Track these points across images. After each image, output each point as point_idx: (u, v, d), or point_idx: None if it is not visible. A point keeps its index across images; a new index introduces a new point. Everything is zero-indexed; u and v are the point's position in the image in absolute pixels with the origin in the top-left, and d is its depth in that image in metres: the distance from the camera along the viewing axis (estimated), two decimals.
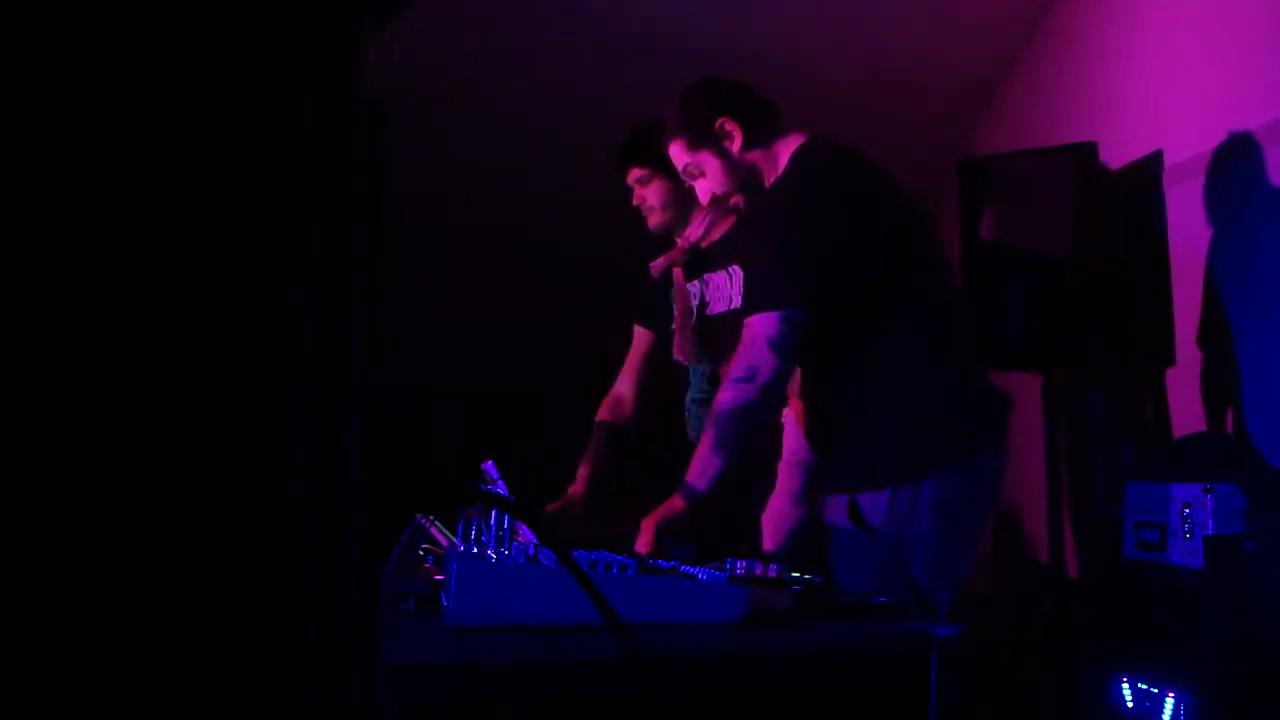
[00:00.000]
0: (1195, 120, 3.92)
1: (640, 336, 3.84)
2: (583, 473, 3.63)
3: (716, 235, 3.50)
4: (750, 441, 2.74)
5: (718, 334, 3.55)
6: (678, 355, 3.67)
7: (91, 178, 0.71)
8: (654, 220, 3.60)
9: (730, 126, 2.88)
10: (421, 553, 2.34)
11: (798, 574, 2.38)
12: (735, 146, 2.89)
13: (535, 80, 5.04)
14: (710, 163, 2.91)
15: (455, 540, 2.12)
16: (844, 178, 2.82)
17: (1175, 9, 4.07)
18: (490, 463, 2.33)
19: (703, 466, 2.69)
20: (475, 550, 2.01)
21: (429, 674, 1.79)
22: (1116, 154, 4.23)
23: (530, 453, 3.13)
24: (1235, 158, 3.70)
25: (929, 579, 2.69)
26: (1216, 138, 3.79)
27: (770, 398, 2.71)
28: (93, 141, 0.71)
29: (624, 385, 3.83)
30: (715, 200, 3.01)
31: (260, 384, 0.76)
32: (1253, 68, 3.64)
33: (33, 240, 0.70)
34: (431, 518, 2.33)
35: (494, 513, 2.02)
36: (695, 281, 3.62)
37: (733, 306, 3.50)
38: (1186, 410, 3.91)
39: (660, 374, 3.78)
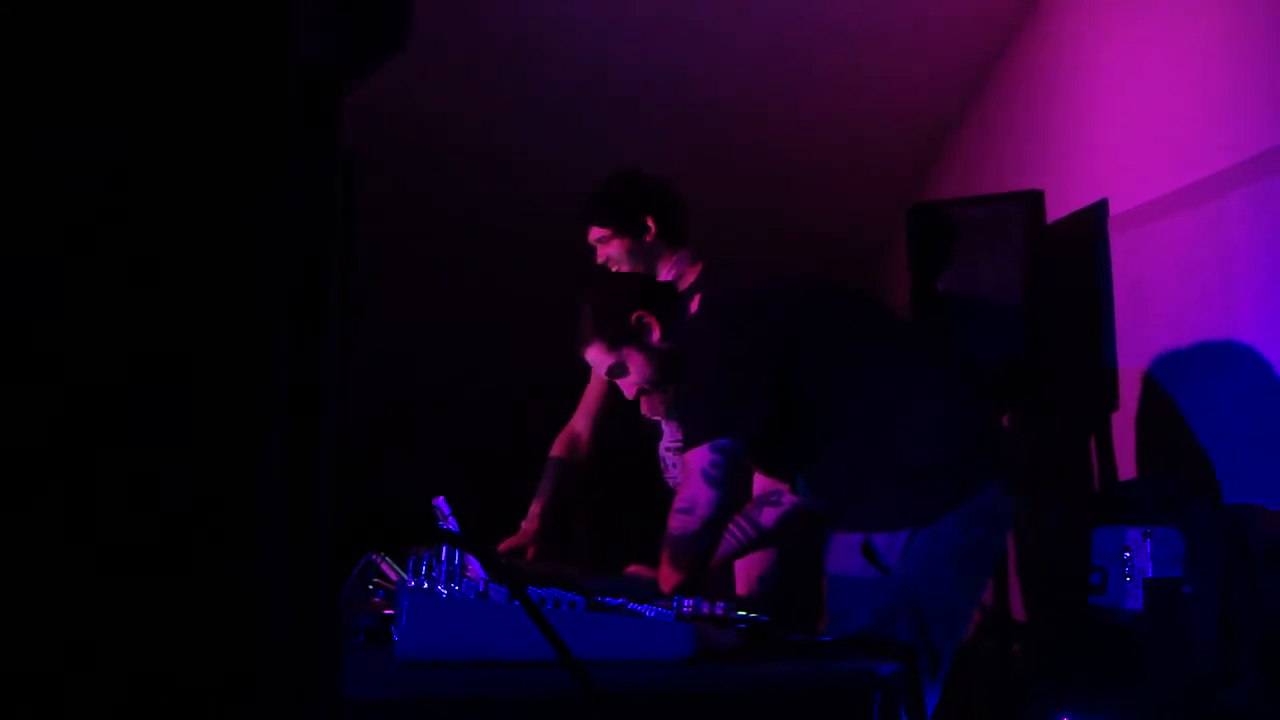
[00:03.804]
0: (1140, 169, 3.99)
1: (597, 376, 3.85)
2: (535, 509, 3.61)
3: (687, 283, 3.52)
4: (702, 562, 2.81)
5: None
6: (647, 411, 3.70)
7: (85, 226, 0.73)
8: None
9: (647, 319, 2.91)
10: (371, 587, 2.35)
11: (744, 612, 2.41)
12: (655, 336, 2.92)
13: (496, 117, 5.06)
14: (634, 358, 2.93)
15: (405, 575, 2.13)
16: (742, 296, 2.92)
17: (1124, 60, 4.14)
18: (442, 499, 2.34)
19: (664, 577, 2.77)
20: (425, 585, 2.02)
21: (378, 708, 1.80)
22: (1063, 201, 4.30)
23: (482, 489, 3.13)
24: (1179, 207, 3.77)
25: (937, 625, 2.70)
26: (1161, 187, 3.87)
27: (710, 528, 2.76)
28: (90, 187, 0.73)
29: (580, 423, 3.82)
30: (643, 393, 3.03)
31: (237, 419, 0.77)
32: (1199, 119, 3.71)
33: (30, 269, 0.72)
34: (382, 553, 2.34)
35: (445, 548, 2.03)
36: None
37: None
38: (1129, 454, 3.97)
39: (615, 414, 3.78)
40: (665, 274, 3.55)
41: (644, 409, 3.62)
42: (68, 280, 0.73)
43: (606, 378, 3.04)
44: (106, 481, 0.73)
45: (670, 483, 3.63)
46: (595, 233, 3.56)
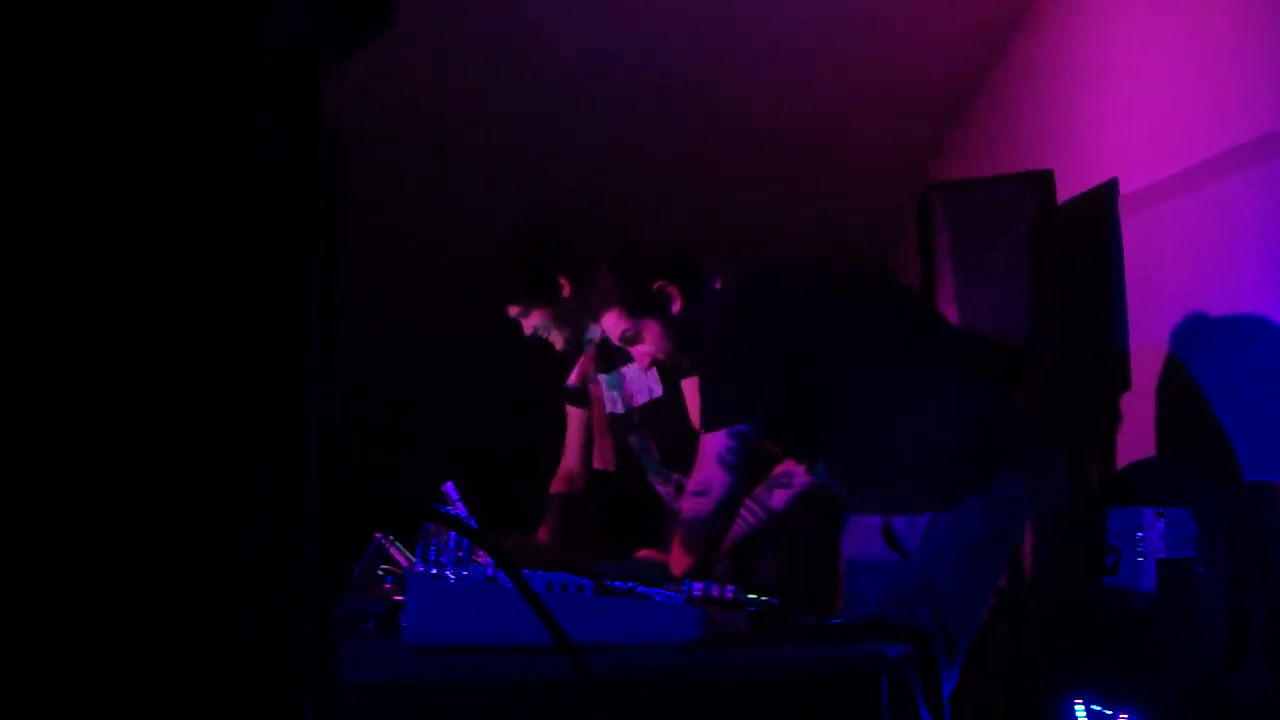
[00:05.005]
0: (1151, 148, 3.98)
1: (575, 415, 3.89)
2: (543, 535, 3.66)
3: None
4: (714, 545, 2.83)
5: (650, 422, 3.60)
6: (599, 464, 3.74)
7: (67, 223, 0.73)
8: (557, 343, 3.59)
9: (669, 289, 2.90)
10: (381, 572, 2.35)
11: (754, 595, 2.41)
12: (675, 308, 2.91)
13: (498, 116, 5.05)
14: (651, 328, 2.93)
15: (415, 560, 2.13)
16: (764, 282, 2.90)
17: (1133, 39, 4.13)
18: (450, 484, 2.34)
19: (675, 560, 2.79)
20: (434, 570, 2.03)
21: (387, 694, 1.81)
22: (1074, 181, 4.28)
23: (482, 488, 3.12)
24: (1190, 186, 3.76)
25: (955, 610, 2.69)
26: (1171, 166, 3.85)
27: (723, 511, 2.77)
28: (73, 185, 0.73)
29: (571, 462, 3.87)
30: (655, 363, 3.01)
31: (219, 401, 0.77)
32: (1208, 97, 3.70)
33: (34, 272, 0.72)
34: (391, 537, 2.34)
35: (453, 533, 2.03)
36: (610, 374, 3.66)
37: (654, 396, 3.55)
38: (1141, 435, 3.96)
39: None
40: (597, 328, 3.56)
41: (596, 460, 3.70)
42: (54, 278, 0.73)
43: (620, 343, 3.03)
44: (91, 470, 0.73)
45: (669, 501, 3.65)
46: (511, 310, 3.54)
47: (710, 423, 2.75)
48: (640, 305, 2.91)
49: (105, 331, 0.74)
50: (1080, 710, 3.29)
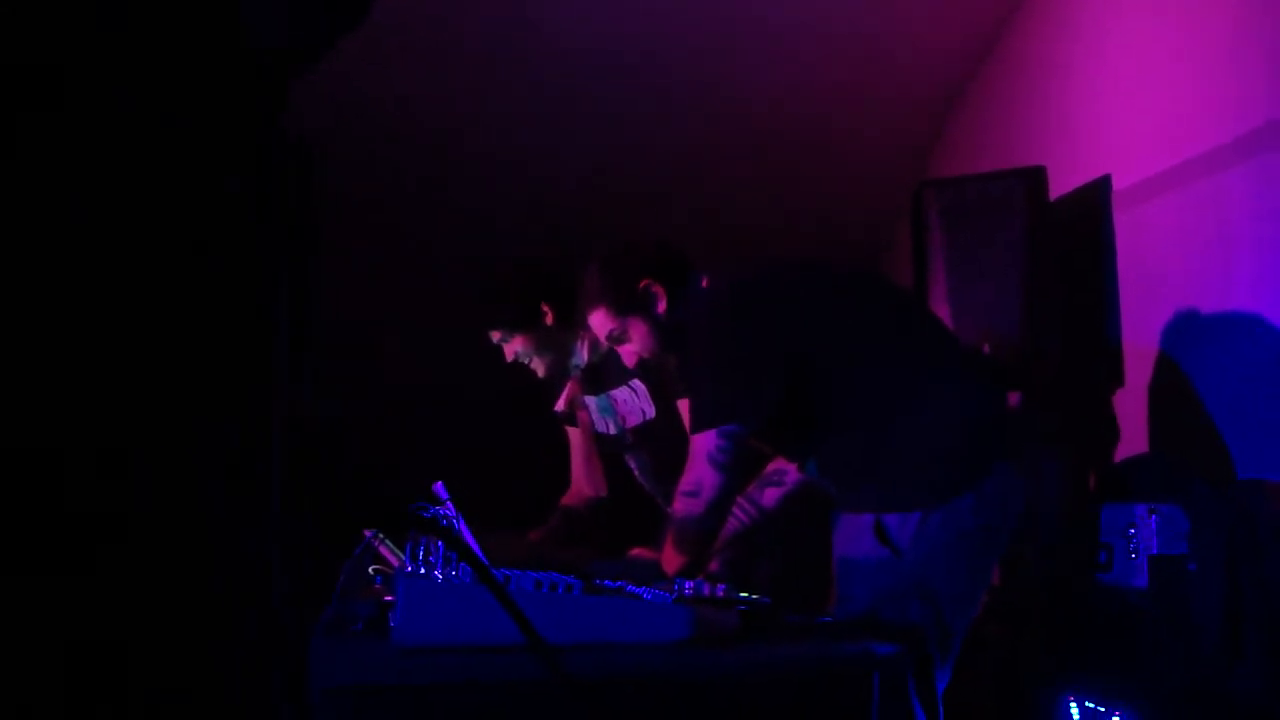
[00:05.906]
0: (1143, 145, 3.98)
1: (574, 434, 3.91)
2: (534, 537, 3.67)
3: (603, 348, 3.52)
4: (707, 544, 2.84)
5: (645, 443, 3.61)
6: (590, 491, 3.76)
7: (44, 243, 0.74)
8: (539, 370, 3.60)
9: (655, 289, 2.92)
10: (371, 573, 2.36)
11: (745, 594, 2.41)
12: (661, 308, 2.93)
13: (500, 116, 5.06)
14: (637, 327, 2.95)
15: (404, 560, 2.14)
16: (763, 282, 2.90)
17: (1125, 35, 4.12)
18: (440, 484, 2.35)
19: (668, 559, 2.81)
20: (422, 571, 2.03)
21: (376, 695, 1.81)
22: (1066, 178, 4.29)
23: (481, 489, 3.13)
24: (1182, 181, 3.76)
25: (950, 606, 2.69)
26: (1164, 162, 3.85)
27: (715, 511, 2.78)
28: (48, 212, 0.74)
29: (584, 486, 3.89)
30: (642, 363, 3.02)
31: (186, 410, 0.78)
32: (1201, 93, 3.69)
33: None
34: (382, 536, 2.35)
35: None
36: (600, 397, 3.67)
37: (647, 418, 3.56)
38: (1135, 431, 3.96)
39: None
40: (584, 353, 3.57)
41: (586, 489, 3.70)
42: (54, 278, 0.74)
43: (607, 342, 3.04)
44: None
45: (661, 503, 3.66)
46: (495, 335, 3.56)
47: (700, 423, 2.76)
48: (626, 304, 2.94)
49: (104, 332, 0.75)
50: (1074, 708, 3.30)
